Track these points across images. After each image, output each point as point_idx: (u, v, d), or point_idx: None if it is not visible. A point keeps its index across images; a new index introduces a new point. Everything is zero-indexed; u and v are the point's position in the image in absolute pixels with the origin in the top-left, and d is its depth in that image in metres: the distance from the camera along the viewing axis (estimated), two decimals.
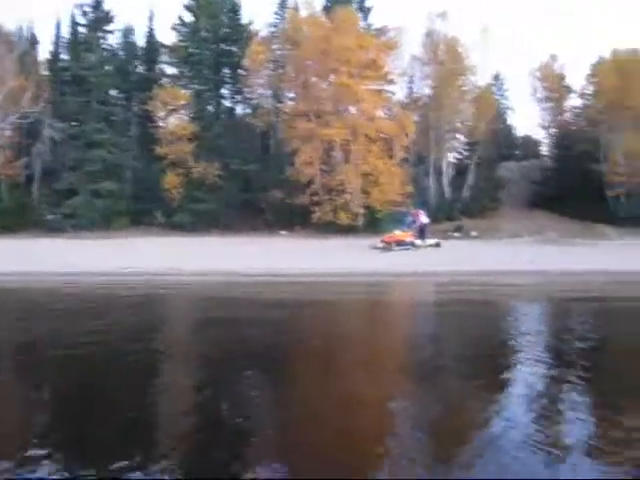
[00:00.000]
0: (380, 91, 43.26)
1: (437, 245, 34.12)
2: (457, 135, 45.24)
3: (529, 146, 66.61)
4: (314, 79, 42.63)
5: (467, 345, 10.78)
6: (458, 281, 23.29)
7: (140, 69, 49.57)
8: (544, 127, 58.16)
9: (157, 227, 43.18)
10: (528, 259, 28.96)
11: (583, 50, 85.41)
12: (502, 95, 57.41)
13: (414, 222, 34.98)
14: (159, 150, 43.72)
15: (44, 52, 51.58)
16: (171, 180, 43.22)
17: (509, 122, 60.06)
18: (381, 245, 33.41)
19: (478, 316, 14.48)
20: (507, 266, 26.81)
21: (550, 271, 26.18)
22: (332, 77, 41.02)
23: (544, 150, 65.04)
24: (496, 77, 56.43)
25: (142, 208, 44.51)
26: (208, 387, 7.67)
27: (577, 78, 53.33)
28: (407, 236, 33.94)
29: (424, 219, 35.15)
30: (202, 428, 6.01)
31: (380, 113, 41.28)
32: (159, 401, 7.16)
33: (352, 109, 41.90)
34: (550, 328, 13.35)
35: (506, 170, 51.73)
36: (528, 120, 70.35)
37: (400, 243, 33.28)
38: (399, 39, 44.27)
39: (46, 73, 47.38)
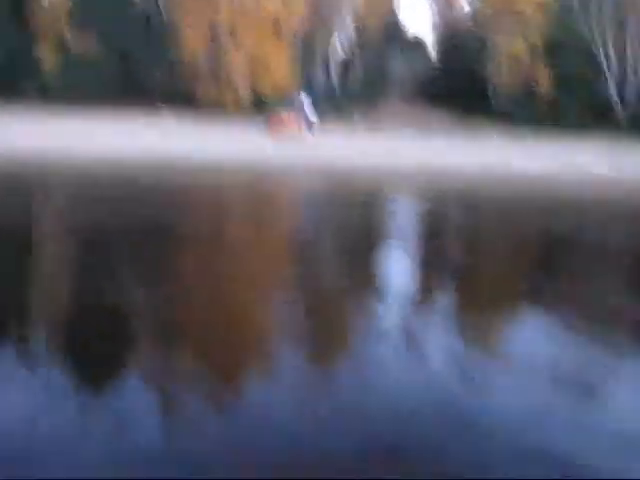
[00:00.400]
0: None
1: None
2: (347, 25, 44.04)
3: (417, 45, 66.78)
4: None
5: None
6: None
7: None
8: (434, 28, 58.48)
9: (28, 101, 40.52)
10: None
11: None
12: None
13: (300, 107, 34.39)
14: (33, 21, 40.52)
15: None
16: (45, 51, 40.30)
17: (399, 20, 59.57)
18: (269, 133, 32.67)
19: None
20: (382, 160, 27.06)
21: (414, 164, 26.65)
22: None
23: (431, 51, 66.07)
24: None
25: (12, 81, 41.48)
26: None
27: None
28: (292, 123, 33.33)
29: (307, 105, 34.59)
30: None
31: None
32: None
33: None
34: None
35: (395, 66, 51.48)
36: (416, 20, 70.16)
37: (285, 131, 32.70)
38: None
39: None
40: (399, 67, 51.46)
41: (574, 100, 42.88)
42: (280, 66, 39.36)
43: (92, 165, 21.55)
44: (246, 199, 14.22)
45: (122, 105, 39.70)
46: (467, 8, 52.52)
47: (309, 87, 39.90)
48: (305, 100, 34.63)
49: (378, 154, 28.90)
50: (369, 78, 45.11)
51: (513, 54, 43.60)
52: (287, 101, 35.86)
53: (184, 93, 40.18)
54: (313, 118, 34.61)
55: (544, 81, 43.01)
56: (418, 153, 30.22)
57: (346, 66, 45.00)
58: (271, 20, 39.93)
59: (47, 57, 40.70)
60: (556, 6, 44.50)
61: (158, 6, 43.77)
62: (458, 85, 44.73)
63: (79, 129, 30.62)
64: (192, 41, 39.09)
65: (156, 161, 23.28)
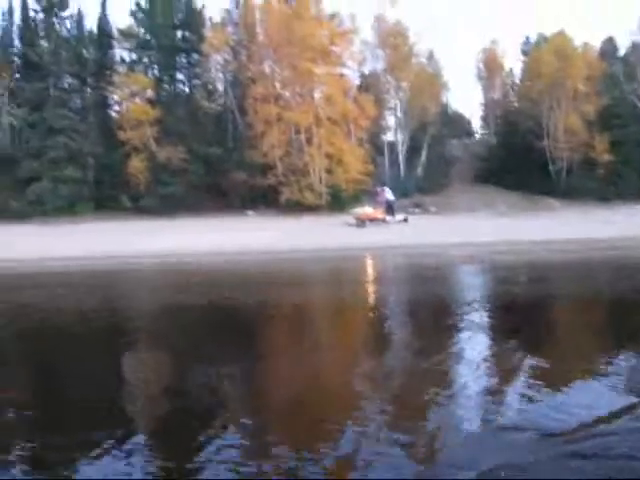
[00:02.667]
0: (340, 75, 45.13)
1: (405, 221, 36.31)
2: (410, 116, 47.18)
3: (466, 124, 70.32)
4: (277, 64, 44.25)
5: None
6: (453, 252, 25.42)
7: (95, 55, 49.52)
8: (485, 106, 62.05)
9: (123, 211, 43.96)
10: (494, 230, 31.39)
11: (511, 30, 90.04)
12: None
13: (381, 199, 36.99)
14: (122, 135, 44.37)
15: None
16: (136, 164, 43.93)
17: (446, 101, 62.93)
18: (354, 222, 35.31)
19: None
20: (480, 238, 29.14)
21: (518, 240, 28.60)
22: (294, 62, 42.40)
23: (481, 128, 69.47)
24: (430, 57, 59.03)
25: (106, 193, 45.34)
26: None
27: (511, 58, 56.78)
28: (378, 213, 35.97)
29: (390, 196, 37.22)
30: None
31: (341, 96, 42.88)
32: None
33: (315, 93, 43.62)
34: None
35: (451, 148, 54.48)
36: (464, 100, 73.72)
37: (372, 220, 35.31)
38: (353, 25, 46.16)
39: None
40: (458, 149, 54.52)
41: (633, 166, 45.44)
42: (354, 162, 42.43)
43: (207, 261, 23.91)
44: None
45: (209, 208, 42.99)
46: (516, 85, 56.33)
47: (382, 178, 42.73)
48: (386, 191, 37.26)
49: (457, 233, 30.86)
50: (432, 163, 47.88)
51: (568, 127, 46.08)
52: (370, 194, 38.69)
53: (265, 192, 43.40)
54: (394, 206, 37.17)
55: (601, 150, 45.33)
56: (496, 230, 32.11)
57: (410, 153, 47.82)
58: (345, 120, 43.22)
59: (137, 169, 44.13)
60: (604, 77, 47.33)
61: (233, 111, 47.37)
62: (517, 162, 47.21)
63: (174, 232, 33.37)
64: (271, 142, 42.34)
65: (252, 255, 25.65)
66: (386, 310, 11.41)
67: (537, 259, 22.05)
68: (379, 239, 29.90)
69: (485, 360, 7.15)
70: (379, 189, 37.80)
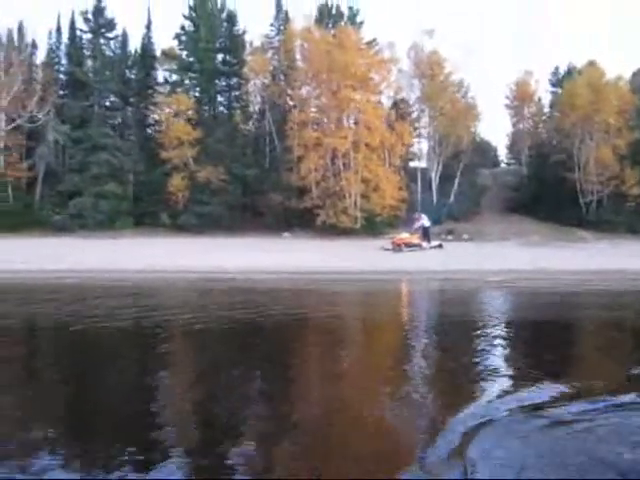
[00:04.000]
0: (378, 102, 46.32)
1: (440, 247, 37.05)
2: (445, 145, 48.12)
3: (493, 153, 71.26)
4: (316, 90, 45.56)
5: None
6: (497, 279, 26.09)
7: (138, 75, 51.06)
8: (513, 135, 62.96)
9: (161, 228, 45.14)
10: (529, 259, 32.06)
11: (539, 59, 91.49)
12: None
13: (417, 225, 37.78)
14: (163, 154, 45.68)
15: (40, 57, 52.60)
16: (176, 183, 45.17)
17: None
18: (390, 247, 36.11)
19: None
20: (515, 265, 29.80)
21: (552, 270, 29.23)
22: (334, 88, 43.61)
23: (507, 157, 70.35)
24: (464, 86, 60.16)
25: (145, 210, 46.63)
26: None
27: (542, 88, 57.61)
28: (414, 238, 36.76)
29: (426, 222, 38.03)
30: None
31: (379, 123, 43.97)
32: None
33: (353, 120, 44.77)
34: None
35: (481, 177, 55.30)
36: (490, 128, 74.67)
37: (408, 245, 36.10)
38: (393, 54, 47.38)
39: (48, 77, 48.52)
40: (488, 178, 55.38)
41: None
42: (390, 188, 43.45)
43: (257, 279, 24.75)
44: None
45: (246, 228, 44.05)
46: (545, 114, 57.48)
47: (418, 205, 43.65)
48: (423, 217, 38.03)
49: (493, 260, 31.48)
50: (464, 191, 48.71)
51: (599, 160, 46.77)
52: (409, 219, 39.63)
53: (301, 214, 44.47)
54: (429, 233, 37.95)
55: (632, 184, 46.02)
56: (531, 259, 32.65)
57: (441, 182, 48.71)
58: (382, 146, 44.33)
59: (177, 187, 45.38)
60: (636, 110, 48.11)
61: (271, 134, 48.61)
62: (548, 193, 47.95)
63: (214, 250, 34.29)
64: (309, 166, 43.48)
65: (293, 275, 26.36)
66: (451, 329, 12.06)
67: (580, 287, 22.66)
68: (416, 264, 30.59)
69: None
70: (416, 215, 38.54)
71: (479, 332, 11.05)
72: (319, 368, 8.56)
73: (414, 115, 50.85)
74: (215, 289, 20.80)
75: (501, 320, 13.11)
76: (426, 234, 37.36)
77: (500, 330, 11.59)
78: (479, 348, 9.54)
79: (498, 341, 10.28)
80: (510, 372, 7.82)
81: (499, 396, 6.22)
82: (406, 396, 6.41)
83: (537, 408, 5.75)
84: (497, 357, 8.83)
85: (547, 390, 6.43)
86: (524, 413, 5.59)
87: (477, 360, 8.51)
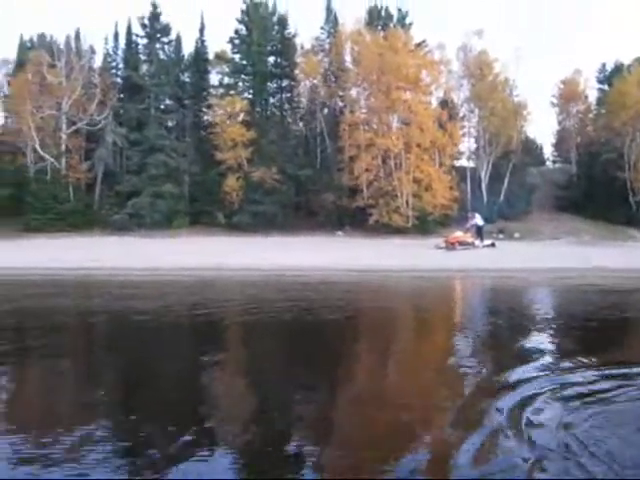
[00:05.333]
0: (429, 103, 47.01)
1: (492, 245, 37.56)
2: (494, 144, 48.58)
3: (538, 151, 71.19)
4: (368, 92, 46.48)
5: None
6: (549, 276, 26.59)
7: (192, 78, 52.43)
8: (560, 133, 62.99)
9: (216, 227, 46.37)
10: (584, 257, 32.41)
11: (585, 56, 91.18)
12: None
13: (470, 224, 38.36)
14: (219, 155, 46.95)
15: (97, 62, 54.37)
16: (231, 183, 46.39)
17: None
18: (444, 245, 36.77)
19: None
20: (571, 264, 30.19)
21: (609, 268, 29.55)
22: (386, 90, 44.40)
23: (553, 155, 70.20)
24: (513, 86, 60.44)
25: (200, 209, 47.94)
26: None
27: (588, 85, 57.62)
28: (468, 237, 37.36)
29: (480, 221, 38.58)
30: None
31: (430, 124, 44.65)
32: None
33: (405, 120, 45.53)
34: None
35: (530, 175, 55.51)
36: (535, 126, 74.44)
37: (462, 243, 36.71)
38: (443, 55, 48.10)
39: (107, 82, 50.15)
40: (536, 177, 55.60)
41: None
42: (441, 188, 44.13)
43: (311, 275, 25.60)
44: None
45: (298, 227, 45.03)
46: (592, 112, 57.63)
47: (471, 204, 44.22)
48: (477, 216, 38.57)
49: (548, 259, 31.80)
50: (513, 190, 49.09)
51: None
52: (462, 218, 40.24)
53: (353, 214, 45.38)
54: (483, 231, 38.47)
55: None
56: (585, 257, 32.83)
57: (491, 181, 49.15)
58: (433, 146, 45.05)
59: (231, 187, 46.59)
60: None
61: (322, 134, 49.57)
62: (598, 192, 48.14)
63: (273, 248, 35.25)
64: (362, 167, 44.37)
65: (353, 272, 27.04)
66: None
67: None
68: (476, 261, 31.17)
69: None
70: (470, 214, 39.09)
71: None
72: (422, 346, 9.40)
73: (462, 115, 51.38)
74: (288, 285, 21.67)
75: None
76: (479, 233, 37.90)
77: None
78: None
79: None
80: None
81: None
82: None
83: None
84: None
85: None
86: None
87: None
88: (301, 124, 52.81)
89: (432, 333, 11.48)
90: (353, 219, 45.29)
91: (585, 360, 7.56)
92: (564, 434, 4.60)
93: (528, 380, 6.34)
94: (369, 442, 4.83)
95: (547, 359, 7.93)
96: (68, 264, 28.17)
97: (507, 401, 5.52)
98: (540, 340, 9.75)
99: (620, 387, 6.05)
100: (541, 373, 6.82)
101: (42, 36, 58.13)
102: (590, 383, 6.27)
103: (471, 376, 6.98)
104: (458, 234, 37.62)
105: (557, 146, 68.16)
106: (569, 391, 5.95)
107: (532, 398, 5.60)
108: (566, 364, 7.47)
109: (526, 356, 8.13)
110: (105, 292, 18.77)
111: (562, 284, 22.60)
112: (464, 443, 4.47)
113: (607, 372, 6.82)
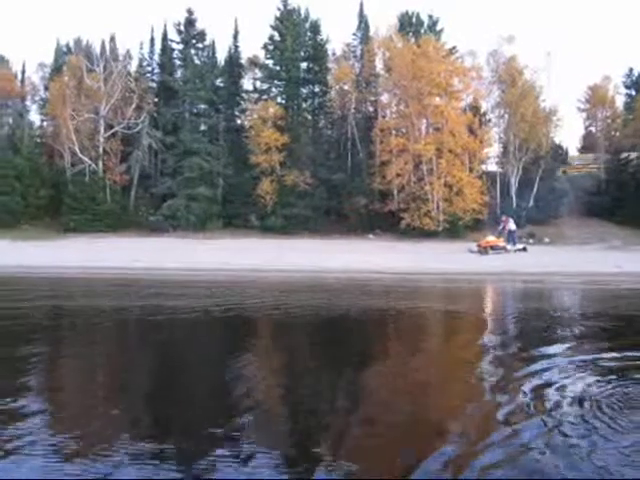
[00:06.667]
0: (461, 109, 47.67)
1: (524, 250, 38.14)
2: (525, 150, 49.08)
3: (564, 155, 71.34)
4: (401, 98, 47.30)
5: None
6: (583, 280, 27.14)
7: (226, 83, 53.44)
8: (586, 139, 63.39)
9: (248, 229, 47.34)
10: (614, 264, 32.87)
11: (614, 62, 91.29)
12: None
13: (503, 228, 38.96)
14: (253, 159, 47.93)
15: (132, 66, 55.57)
16: (265, 187, 47.33)
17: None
18: (476, 249, 37.40)
19: None
20: (603, 269, 30.66)
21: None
22: (419, 96, 45.17)
23: (578, 159, 70.31)
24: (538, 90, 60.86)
25: (233, 212, 48.93)
26: None
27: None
28: (500, 241, 37.98)
29: (512, 226, 39.18)
30: None
31: (462, 129, 45.32)
32: None
33: (437, 126, 46.25)
34: None
35: (558, 181, 55.89)
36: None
37: (494, 247, 37.34)
38: (474, 62, 48.78)
39: (144, 86, 51.33)
40: (564, 182, 55.95)
41: None
42: (473, 192, 44.80)
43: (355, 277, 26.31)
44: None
45: (330, 230, 45.92)
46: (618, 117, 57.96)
47: (504, 209, 44.80)
48: (510, 221, 39.17)
49: (581, 263, 32.19)
50: (542, 195, 49.53)
51: None
52: (494, 222, 40.88)
53: (384, 217, 46.13)
54: (515, 236, 39.05)
55: None
56: (614, 262, 33.19)
57: (520, 186, 49.64)
58: (464, 151, 45.74)
59: (265, 190, 47.52)
60: None
61: (354, 139, 50.38)
62: (628, 197, 48.48)
63: (308, 250, 36.00)
64: (394, 171, 45.16)
65: (389, 275, 27.69)
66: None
67: None
68: (512, 265, 31.76)
69: None
70: (504, 218, 39.68)
71: None
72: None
73: (492, 121, 52.01)
74: (335, 285, 22.44)
75: None
76: (512, 237, 38.49)
77: None
78: None
79: None
80: None
81: None
82: None
83: None
84: None
85: None
86: None
87: None
88: (333, 129, 53.57)
89: (518, 329, 12.19)
90: (384, 223, 46.01)
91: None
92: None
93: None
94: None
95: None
96: (112, 264, 29.29)
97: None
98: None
99: None
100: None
101: (78, 41, 59.58)
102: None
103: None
104: (491, 238, 38.22)
105: (583, 151, 68.52)
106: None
107: None
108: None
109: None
110: (192, 290, 19.70)
111: (598, 288, 23.11)
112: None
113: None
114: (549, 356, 7.89)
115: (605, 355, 8.00)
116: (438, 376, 7.46)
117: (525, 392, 5.97)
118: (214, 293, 18.46)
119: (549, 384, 6.29)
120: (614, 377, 6.49)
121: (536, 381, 6.41)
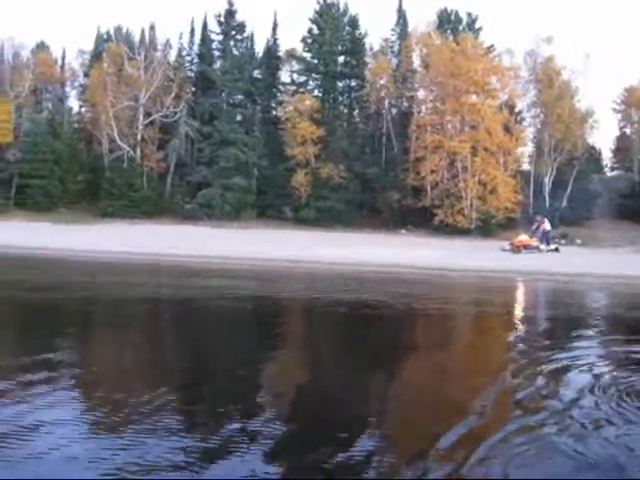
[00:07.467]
0: (498, 107, 47.77)
1: (557, 250, 38.28)
2: (560, 151, 49.11)
3: (598, 157, 70.95)
4: (438, 95, 47.56)
5: None
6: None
7: (264, 75, 53.99)
8: (620, 140, 63.14)
9: (282, 220, 47.87)
10: None
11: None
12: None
13: (537, 228, 39.11)
14: (289, 151, 48.48)
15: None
16: (300, 179, 47.84)
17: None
18: (509, 248, 37.61)
19: None
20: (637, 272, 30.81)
21: None
22: (456, 94, 45.38)
23: (612, 161, 70.06)
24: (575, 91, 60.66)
25: (267, 203, 49.52)
26: None
27: None
28: (533, 241, 38.15)
29: (547, 226, 39.30)
30: None
31: (499, 128, 45.47)
32: None
33: (474, 124, 46.40)
34: None
35: (592, 182, 55.80)
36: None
37: (527, 247, 37.54)
38: (512, 61, 48.89)
39: (183, 76, 52.05)
40: (597, 184, 55.85)
41: None
42: (507, 191, 44.98)
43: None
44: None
45: (363, 223, 46.33)
46: None
47: (539, 209, 44.90)
48: (545, 221, 39.28)
49: (619, 266, 32.27)
50: (575, 196, 49.53)
51: None
52: (525, 223, 41.05)
53: (417, 213, 46.45)
54: (549, 236, 39.17)
55: None
56: None
57: (555, 185, 49.68)
58: (500, 150, 45.92)
59: (299, 182, 48.02)
60: None
61: (389, 134, 50.74)
62: None
63: (345, 243, 36.35)
64: (429, 168, 45.49)
65: (426, 270, 27.92)
66: None
67: None
68: (537, 264, 31.88)
69: None
70: (539, 218, 39.78)
71: None
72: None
73: (528, 120, 52.08)
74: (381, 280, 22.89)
75: None
76: (547, 237, 38.61)
77: None
78: None
79: None
80: None
81: None
82: None
83: None
84: None
85: None
86: None
87: None
88: (368, 123, 53.88)
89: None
90: (416, 218, 46.28)
91: None
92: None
93: None
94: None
95: None
96: (153, 250, 29.97)
97: None
98: None
99: None
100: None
101: (118, 29, 60.25)
102: None
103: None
104: (523, 237, 38.39)
105: (617, 153, 68.19)
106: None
107: None
108: None
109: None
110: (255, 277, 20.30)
111: (630, 292, 23.33)
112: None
113: None
114: (576, 348, 8.92)
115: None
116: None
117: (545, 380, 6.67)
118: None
119: (569, 370, 7.16)
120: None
121: (556, 368, 7.18)
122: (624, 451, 4.50)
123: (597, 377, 6.74)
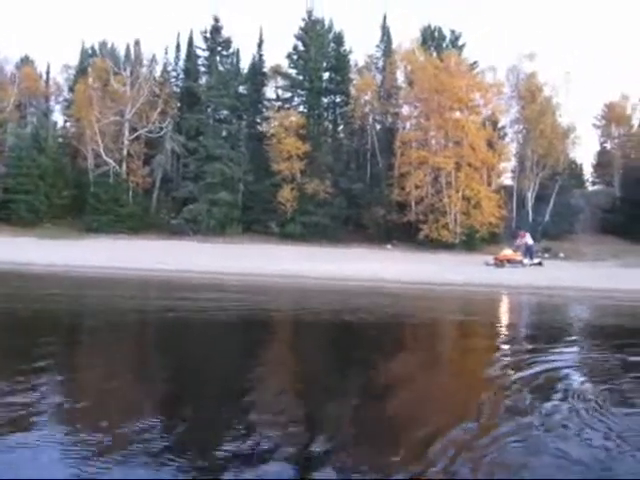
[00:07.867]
0: (481, 123, 48.39)
1: (540, 264, 38.72)
2: (542, 166, 49.77)
3: (578, 172, 71.76)
4: (422, 111, 48.12)
5: None
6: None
7: (249, 90, 54.33)
8: (601, 155, 64.02)
9: (268, 235, 48.08)
10: (630, 279, 33.32)
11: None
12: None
13: (521, 242, 39.53)
14: (274, 167, 48.76)
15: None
16: (286, 194, 48.11)
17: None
18: (492, 262, 37.98)
19: None
20: (619, 285, 31.16)
21: None
22: (440, 110, 45.95)
23: (592, 175, 70.88)
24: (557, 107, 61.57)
25: (253, 218, 49.73)
26: None
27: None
28: (517, 255, 38.57)
29: (529, 240, 39.77)
30: None
31: (482, 143, 46.04)
32: None
33: (457, 140, 46.94)
34: None
35: (574, 197, 56.48)
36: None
37: (510, 261, 37.93)
38: (495, 78, 49.64)
39: (169, 91, 52.29)
40: (578, 198, 56.55)
41: None
42: (490, 206, 45.50)
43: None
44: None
45: (348, 239, 46.64)
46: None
47: (522, 223, 45.40)
48: (527, 235, 39.73)
49: (604, 279, 32.58)
50: (558, 211, 50.16)
51: None
52: (512, 236, 41.47)
53: (401, 228, 46.82)
54: (533, 250, 39.60)
55: None
56: (630, 278, 33.51)
57: (537, 200, 50.31)
58: (483, 165, 46.48)
59: (285, 198, 48.27)
60: None
61: (374, 150, 51.15)
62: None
63: (330, 259, 36.42)
64: (414, 183, 45.93)
65: (416, 285, 28.14)
66: None
67: None
68: (521, 279, 32.16)
69: None
70: (522, 232, 40.23)
71: None
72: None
73: (510, 135, 52.78)
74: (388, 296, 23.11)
75: None
76: (530, 252, 39.04)
77: None
78: None
79: None
80: None
81: None
82: None
83: None
84: None
85: None
86: None
87: None
88: (353, 139, 54.36)
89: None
90: (401, 233, 46.66)
91: None
92: None
93: None
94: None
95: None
96: (141, 265, 29.95)
97: None
98: None
99: None
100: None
101: (104, 44, 60.54)
102: None
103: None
104: (507, 252, 38.78)
105: (597, 168, 69.01)
106: None
107: None
108: None
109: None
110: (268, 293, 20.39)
111: (611, 304, 23.67)
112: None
113: None
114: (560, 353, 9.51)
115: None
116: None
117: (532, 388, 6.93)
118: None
119: (554, 379, 7.45)
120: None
121: (542, 378, 7.45)
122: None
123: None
